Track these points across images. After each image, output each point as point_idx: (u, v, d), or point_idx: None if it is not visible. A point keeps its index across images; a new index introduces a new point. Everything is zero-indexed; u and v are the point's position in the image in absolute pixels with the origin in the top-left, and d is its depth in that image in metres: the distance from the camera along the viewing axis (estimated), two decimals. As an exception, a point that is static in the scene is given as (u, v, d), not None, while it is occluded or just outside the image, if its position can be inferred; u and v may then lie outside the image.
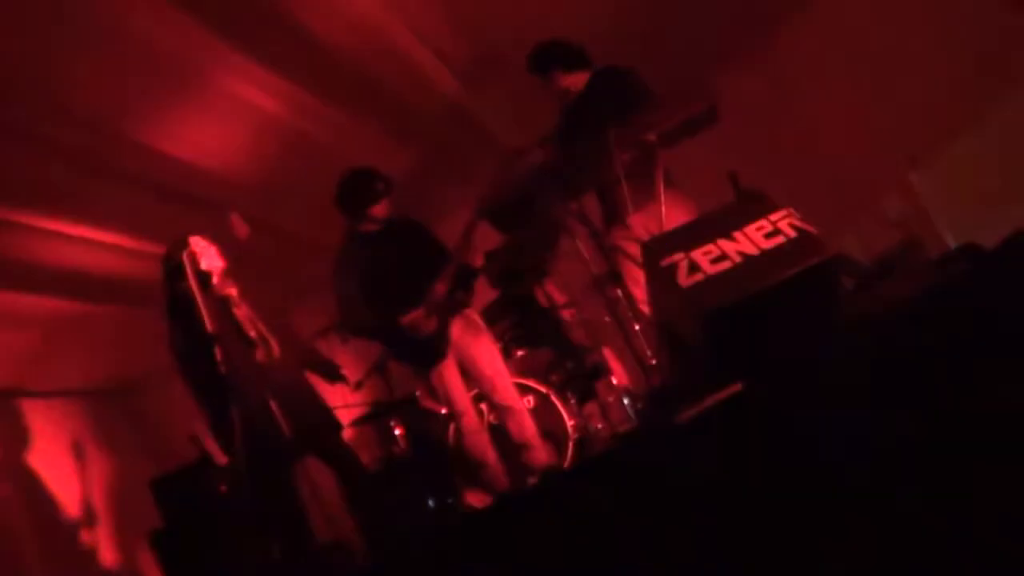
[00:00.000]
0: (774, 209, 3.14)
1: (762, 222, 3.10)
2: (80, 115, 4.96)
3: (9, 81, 4.53)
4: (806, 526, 2.16)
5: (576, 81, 4.81)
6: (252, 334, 4.54)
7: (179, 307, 4.33)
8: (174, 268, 4.27)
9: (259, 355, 4.51)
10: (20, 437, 7.32)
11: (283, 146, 6.09)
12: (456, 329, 5.10)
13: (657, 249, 3.21)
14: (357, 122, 6.32)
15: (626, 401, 5.25)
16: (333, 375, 4.99)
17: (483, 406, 5.43)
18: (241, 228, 4.98)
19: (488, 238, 5.50)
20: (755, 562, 2.20)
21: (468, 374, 5.17)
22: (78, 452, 7.70)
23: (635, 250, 4.27)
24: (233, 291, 4.56)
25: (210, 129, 5.57)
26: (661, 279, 3.17)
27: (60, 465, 7.49)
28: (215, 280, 4.44)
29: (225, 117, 5.55)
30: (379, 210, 5.09)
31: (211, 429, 4.60)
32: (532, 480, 4.77)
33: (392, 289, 5.04)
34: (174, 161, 5.64)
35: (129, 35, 4.58)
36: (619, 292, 4.76)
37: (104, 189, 5.59)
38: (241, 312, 4.56)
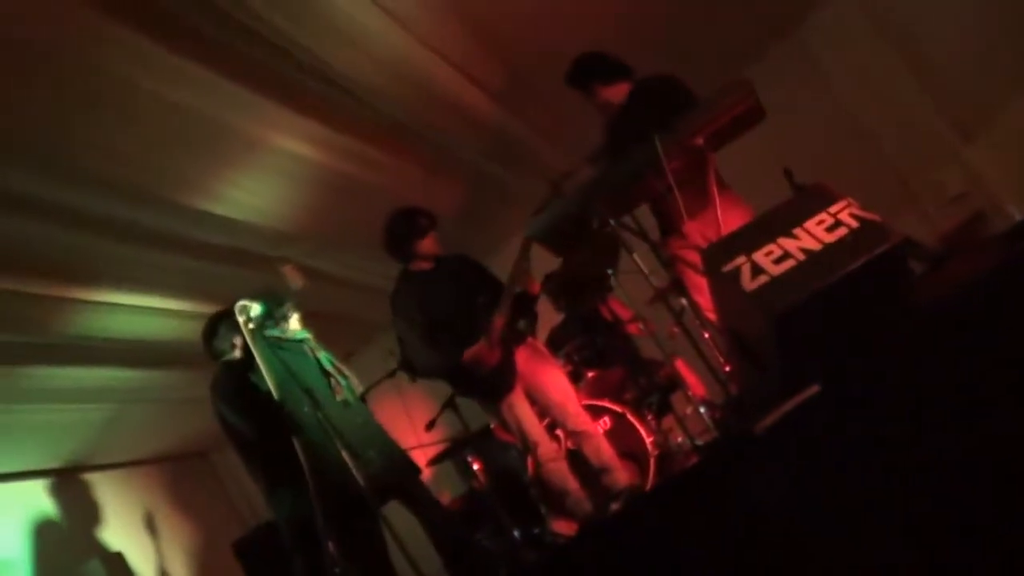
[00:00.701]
0: (833, 201, 3.09)
1: (822, 215, 3.06)
2: (130, 189, 5.04)
3: (62, 164, 4.62)
4: (899, 532, 2.10)
5: (617, 93, 4.77)
6: (331, 376, 4.60)
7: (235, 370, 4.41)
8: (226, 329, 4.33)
9: (340, 395, 4.56)
10: (98, 511, 7.44)
11: (332, 193, 6.12)
12: (521, 359, 5.05)
13: (717, 255, 3.17)
14: (403, 160, 6.35)
15: (703, 411, 5.16)
16: None
17: (559, 432, 5.37)
18: (296, 279, 5.00)
19: (546, 261, 5.48)
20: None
21: (538, 403, 5.12)
22: (157, 520, 7.81)
23: (695, 258, 4.23)
24: (308, 335, 4.64)
25: (258, 186, 5.62)
26: (725, 285, 3.13)
27: (140, 535, 7.59)
28: (289, 324, 4.52)
29: (271, 172, 5.60)
30: (426, 245, 5.09)
31: (267, 493, 4.66)
32: (615, 505, 4.69)
33: (451, 326, 5.01)
34: (226, 221, 5.70)
35: (169, 107, 4.65)
36: (684, 302, 4.71)
37: (160, 258, 5.71)
38: (319, 355, 4.64)
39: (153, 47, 4.25)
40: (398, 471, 4.65)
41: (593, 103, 4.86)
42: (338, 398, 4.60)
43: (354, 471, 4.32)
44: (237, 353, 4.67)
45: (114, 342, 6.21)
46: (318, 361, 4.67)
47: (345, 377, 4.68)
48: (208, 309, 5.00)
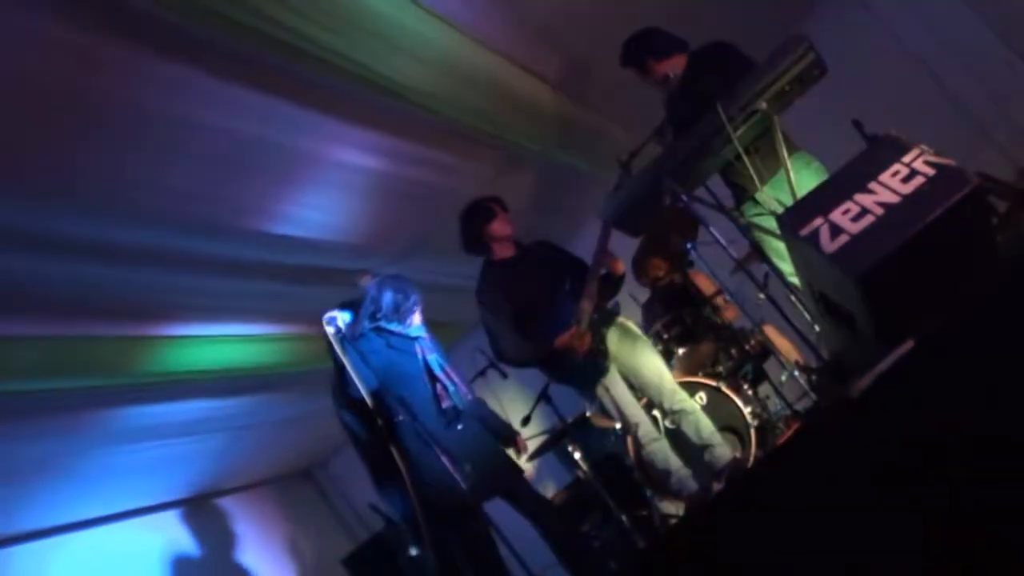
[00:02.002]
0: (906, 150, 3.02)
1: (896, 166, 2.99)
2: (198, 223, 5.10)
3: (133, 207, 4.70)
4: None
5: (674, 66, 4.73)
6: (438, 382, 4.66)
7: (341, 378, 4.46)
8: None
9: (446, 404, 4.64)
10: (223, 535, 7.65)
11: (403, 201, 6.17)
12: (612, 340, 5.05)
13: (794, 219, 3.13)
14: (470, 159, 6.36)
15: (798, 376, 5.10)
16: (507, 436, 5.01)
17: (656, 413, 5.34)
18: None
19: (627, 243, 5.46)
20: (972, 542, 2.08)
21: (634, 384, 5.10)
22: (277, 539, 7.99)
23: (772, 224, 4.17)
24: (423, 334, 4.76)
25: (325, 202, 5.67)
26: (804, 249, 3.09)
27: (264, 555, 7.78)
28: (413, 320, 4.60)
29: (337, 187, 5.63)
30: (499, 227, 5.10)
31: (379, 494, 4.72)
32: (718, 482, 4.65)
33: (539, 313, 5.02)
34: (298, 241, 5.77)
35: (219, 132, 4.67)
36: (766, 269, 4.65)
37: (243, 286, 5.80)
38: (430, 356, 4.70)
39: (194, 75, 4.27)
40: (497, 479, 4.67)
41: (650, 80, 4.83)
42: (444, 405, 4.65)
43: (455, 476, 4.37)
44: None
45: (214, 373, 6.34)
46: (427, 364, 4.72)
47: (453, 383, 4.73)
48: (296, 330, 5.07)
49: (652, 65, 4.76)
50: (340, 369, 4.37)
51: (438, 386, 4.66)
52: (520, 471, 4.82)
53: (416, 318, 4.75)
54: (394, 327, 4.72)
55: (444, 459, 4.41)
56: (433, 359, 4.72)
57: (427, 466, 4.36)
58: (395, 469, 4.25)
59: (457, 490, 4.37)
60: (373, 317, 4.64)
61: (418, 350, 4.73)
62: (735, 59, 4.48)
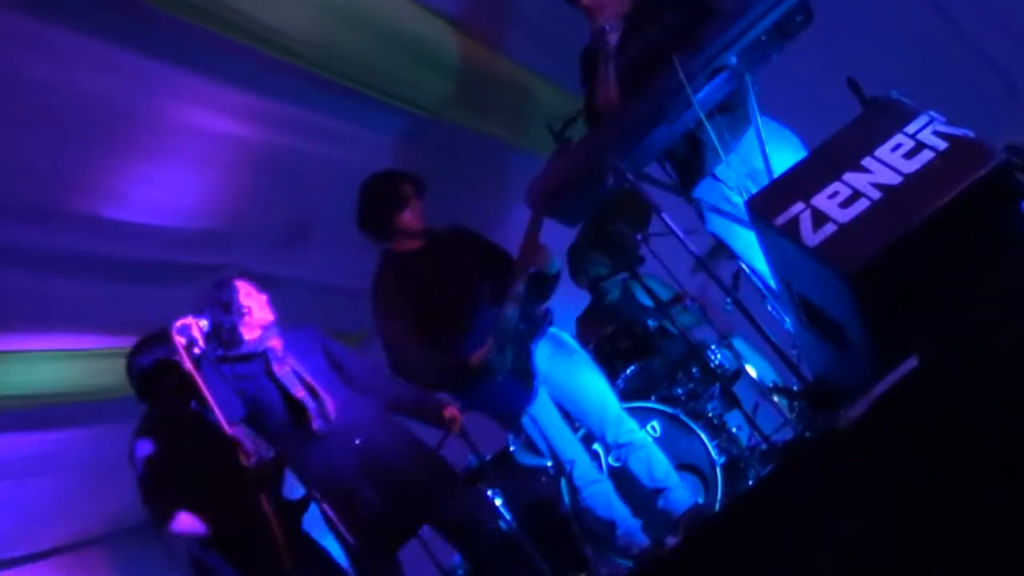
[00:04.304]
0: (910, 117, 3.02)
1: (898, 138, 3.00)
2: (13, 205, 5.00)
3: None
4: None
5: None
6: (299, 394, 4.65)
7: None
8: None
9: (315, 424, 4.68)
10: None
11: (277, 176, 6.11)
12: (542, 356, 5.01)
13: (767, 204, 3.13)
14: (361, 124, 6.32)
15: (776, 402, 5.14)
16: None
17: (597, 447, 5.33)
18: (251, 295, 4.97)
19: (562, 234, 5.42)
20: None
21: (569, 411, 5.07)
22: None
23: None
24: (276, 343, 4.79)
25: (176, 179, 5.58)
26: (780, 241, 3.07)
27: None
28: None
29: (191, 160, 5.54)
30: (410, 219, 5.05)
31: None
32: (673, 538, 4.65)
33: (451, 320, 4.98)
34: (144, 229, 5.68)
35: (40, 86, 4.56)
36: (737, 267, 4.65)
37: (65, 288, 5.71)
38: (283, 369, 4.69)
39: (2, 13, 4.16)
40: (419, 501, 4.69)
41: (590, 21, 4.70)
42: (315, 425, 4.62)
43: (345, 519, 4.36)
44: None
45: (23, 400, 6.21)
46: (279, 381, 4.68)
47: (318, 399, 4.68)
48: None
49: None
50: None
51: (309, 403, 4.65)
52: (455, 478, 4.83)
53: (251, 325, 4.72)
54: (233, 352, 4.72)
55: (326, 504, 4.38)
56: (287, 369, 4.69)
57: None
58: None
59: (359, 536, 4.36)
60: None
61: (274, 367, 4.71)
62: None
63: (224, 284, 4.86)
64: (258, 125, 5.66)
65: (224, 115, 5.42)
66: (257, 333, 4.84)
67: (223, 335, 4.77)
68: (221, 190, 5.89)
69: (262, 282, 5.18)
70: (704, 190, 4.54)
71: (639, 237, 5.29)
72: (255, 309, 4.88)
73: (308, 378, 4.77)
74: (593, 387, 5.03)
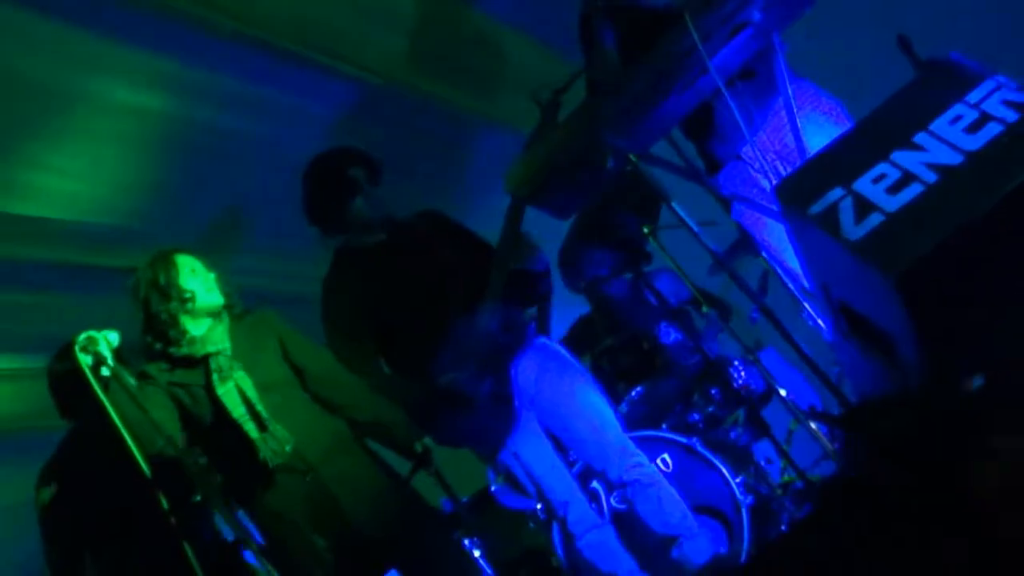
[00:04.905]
0: (973, 83, 3.03)
1: (958, 108, 3.00)
2: None
3: None
4: None
5: None
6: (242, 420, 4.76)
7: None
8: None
9: (261, 456, 4.76)
10: None
11: (199, 158, 6.13)
12: (527, 374, 5.01)
13: (799, 189, 3.13)
14: (302, 94, 6.34)
15: (815, 429, 5.14)
16: None
17: (597, 485, 5.34)
18: (196, 273, 4.97)
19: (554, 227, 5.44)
20: None
21: (562, 441, 5.08)
22: None
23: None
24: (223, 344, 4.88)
25: (76, 163, 5.58)
26: (816, 235, 3.07)
27: None
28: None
29: (93, 138, 5.53)
30: (365, 208, 5.05)
31: None
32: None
33: (416, 330, 4.97)
34: (35, 224, 5.68)
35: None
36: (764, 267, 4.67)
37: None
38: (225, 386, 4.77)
39: None
40: (375, 555, 4.73)
41: None
42: (268, 459, 4.64)
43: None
44: None
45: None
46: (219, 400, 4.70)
47: (265, 428, 4.69)
48: (30, 364, 4.98)
49: None
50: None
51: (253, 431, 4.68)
52: (429, 524, 4.84)
53: (196, 313, 4.73)
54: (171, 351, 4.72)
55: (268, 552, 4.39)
56: (231, 386, 4.69)
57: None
58: None
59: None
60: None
61: (216, 381, 4.71)
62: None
63: (161, 261, 4.83)
64: (178, 97, 5.67)
65: (137, 85, 5.41)
66: (204, 325, 4.83)
67: (157, 327, 4.76)
68: (135, 178, 5.90)
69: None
70: (724, 174, 4.56)
71: (646, 230, 5.29)
72: (201, 292, 4.86)
73: (256, 398, 4.76)
74: (592, 411, 5.02)
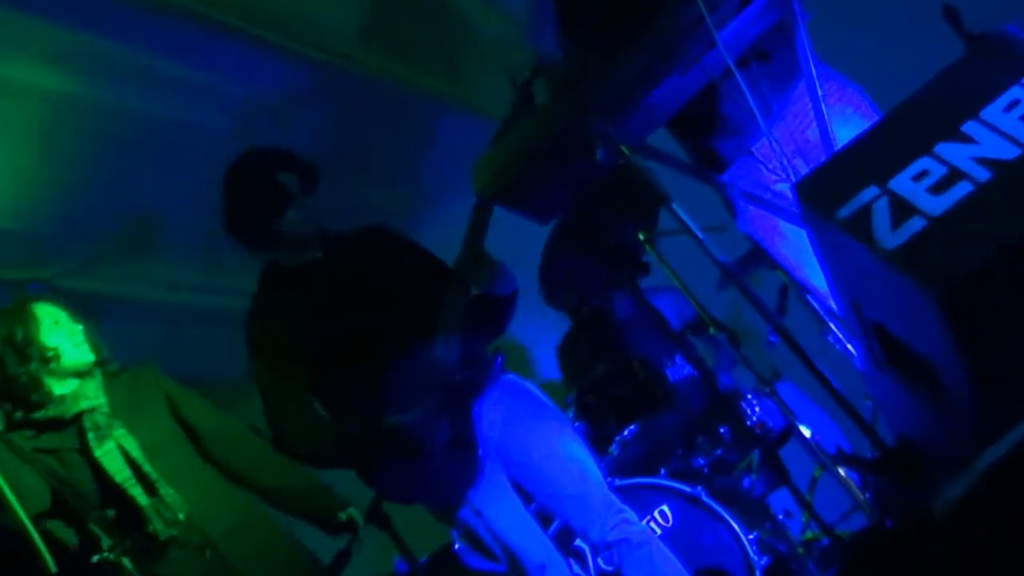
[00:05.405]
0: (1033, 62, 3.02)
1: (1014, 92, 2.98)
2: None
3: None
4: None
5: None
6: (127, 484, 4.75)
7: None
8: None
9: (151, 528, 4.77)
10: None
11: (107, 151, 6.10)
12: (492, 415, 5.01)
13: (824, 189, 3.12)
14: (233, 78, 6.34)
15: (843, 475, 5.14)
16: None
17: (580, 545, 5.32)
18: (60, 327, 4.94)
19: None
20: None
21: (533, 495, 5.05)
22: None
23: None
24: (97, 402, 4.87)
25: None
26: (844, 243, 3.05)
27: None
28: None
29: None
30: (297, 221, 5.01)
31: None
32: None
33: (358, 366, 4.95)
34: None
35: None
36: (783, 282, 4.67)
37: None
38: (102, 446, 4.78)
39: None
40: None
41: None
42: (159, 530, 4.60)
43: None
44: None
45: None
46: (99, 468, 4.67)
47: (155, 493, 4.68)
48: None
49: None
50: None
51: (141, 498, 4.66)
52: None
53: (61, 373, 4.72)
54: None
55: None
56: (111, 446, 4.67)
57: None
58: None
59: None
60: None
61: (92, 442, 4.69)
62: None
63: (16, 313, 4.79)
64: (85, 76, 5.66)
65: (34, 61, 5.41)
66: (71, 385, 4.79)
67: (16, 392, 4.73)
68: (30, 173, 5.87)
69: (81, 306, 5.15)
70: (735, 171, 4.55)
71: (641, 237, 5.29)
72: (67, 348, 4.83)
73: (142, 459, 4.74)
74: (569, 460, 4.99)
